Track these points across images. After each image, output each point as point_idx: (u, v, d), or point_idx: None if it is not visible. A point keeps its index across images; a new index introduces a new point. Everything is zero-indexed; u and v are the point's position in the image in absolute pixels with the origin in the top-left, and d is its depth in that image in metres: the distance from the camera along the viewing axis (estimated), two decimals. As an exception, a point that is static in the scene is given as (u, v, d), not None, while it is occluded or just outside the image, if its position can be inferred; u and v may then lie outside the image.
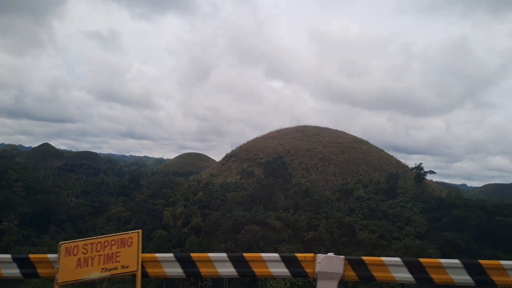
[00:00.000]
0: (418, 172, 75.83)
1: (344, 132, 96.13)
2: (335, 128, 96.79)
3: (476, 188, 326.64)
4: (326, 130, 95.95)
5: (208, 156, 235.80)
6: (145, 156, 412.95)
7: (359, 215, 67.19)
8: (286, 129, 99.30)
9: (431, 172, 78.17)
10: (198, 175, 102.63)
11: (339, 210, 69.36)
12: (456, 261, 3.20)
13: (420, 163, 75.95)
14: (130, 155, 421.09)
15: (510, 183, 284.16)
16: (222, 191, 79.50)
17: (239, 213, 70.58)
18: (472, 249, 58.36)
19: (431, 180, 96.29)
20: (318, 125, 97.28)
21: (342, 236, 65.66)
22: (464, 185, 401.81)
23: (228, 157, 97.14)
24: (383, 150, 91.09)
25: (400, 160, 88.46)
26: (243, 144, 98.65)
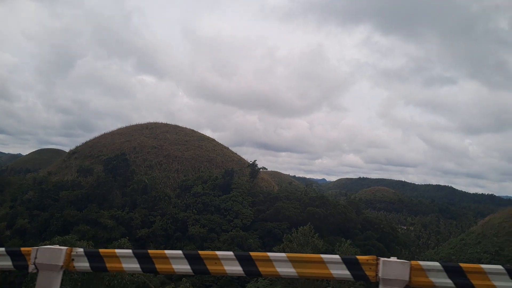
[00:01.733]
0: (253, 169, 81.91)
1: (192, 130, 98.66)
2: (184, 126, 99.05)
3: (331, 182, 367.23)
4: (175, 127, 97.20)
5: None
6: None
7: (194, 210, 69.96)
8: (136, 125, 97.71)
9: (264, 168, 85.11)
10: (36, 173, 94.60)
11: (176, 206, 71.12)
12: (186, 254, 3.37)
13: (255, 160, 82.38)
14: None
15: (358, 178, 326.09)
16: (56, 190, 74.72)
17: (69, 212, 67.40)
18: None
19: (287, 174, 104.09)
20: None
21: (176, 232, 67.53)
22: (323, 179, 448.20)
23: (70, 154, 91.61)
24: (228, 148, 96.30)
25: (242, 157, 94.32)
26: (89, 140, 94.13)
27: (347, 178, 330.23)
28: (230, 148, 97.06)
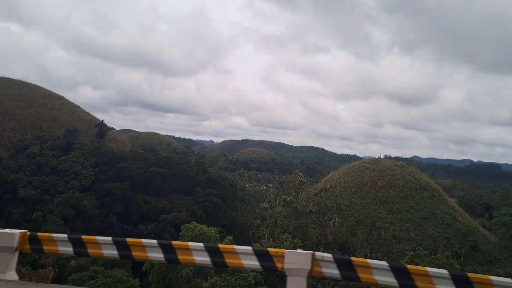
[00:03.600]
0: (101, 129, 79.32)
1: (38, 86, 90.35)
2: (29, 81, 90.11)
3: (217, 143, 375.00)
4: (18, 82, 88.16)
5: None
6: None
7: (26, 172, 65.85)
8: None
9: (112, 128, 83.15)
10: None
11: (6, 167, 66.13)
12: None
13: (103, 120, 79.73)
14: None
15: (241, 139, 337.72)
16: None
17: None
18: (127, 196, 66.00)
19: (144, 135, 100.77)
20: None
21: (4, 194, 63.13)
22: (211, 141, 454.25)
23: None
24: (79, 107, 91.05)
25: (96, 116, 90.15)
26: None
27: (231, 140, 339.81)
28: (81, 107, 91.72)
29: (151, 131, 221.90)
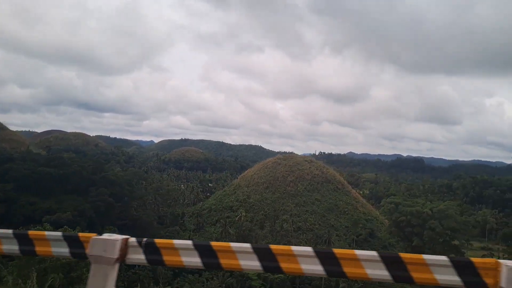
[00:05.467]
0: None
1: None
2: None
3: (155, 143, 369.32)
4: None
5: None
6: None
7: None
8: None
9: (5, 128, 79.66)
10: None
11: None
12: None
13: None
14: None
15: (180, 139, 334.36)
16: None
17: None
18: (11, 198, 63.68)
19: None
20: None
21: None
22: (152, 141, 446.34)
23: None
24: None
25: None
26: None
27: (169, 140, 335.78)
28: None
29: (79, 131, 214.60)
